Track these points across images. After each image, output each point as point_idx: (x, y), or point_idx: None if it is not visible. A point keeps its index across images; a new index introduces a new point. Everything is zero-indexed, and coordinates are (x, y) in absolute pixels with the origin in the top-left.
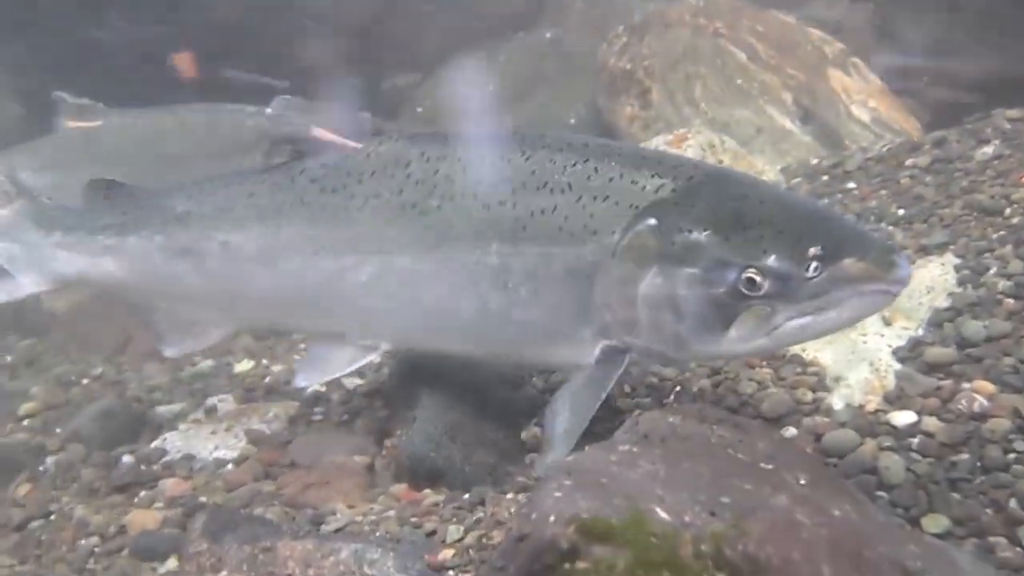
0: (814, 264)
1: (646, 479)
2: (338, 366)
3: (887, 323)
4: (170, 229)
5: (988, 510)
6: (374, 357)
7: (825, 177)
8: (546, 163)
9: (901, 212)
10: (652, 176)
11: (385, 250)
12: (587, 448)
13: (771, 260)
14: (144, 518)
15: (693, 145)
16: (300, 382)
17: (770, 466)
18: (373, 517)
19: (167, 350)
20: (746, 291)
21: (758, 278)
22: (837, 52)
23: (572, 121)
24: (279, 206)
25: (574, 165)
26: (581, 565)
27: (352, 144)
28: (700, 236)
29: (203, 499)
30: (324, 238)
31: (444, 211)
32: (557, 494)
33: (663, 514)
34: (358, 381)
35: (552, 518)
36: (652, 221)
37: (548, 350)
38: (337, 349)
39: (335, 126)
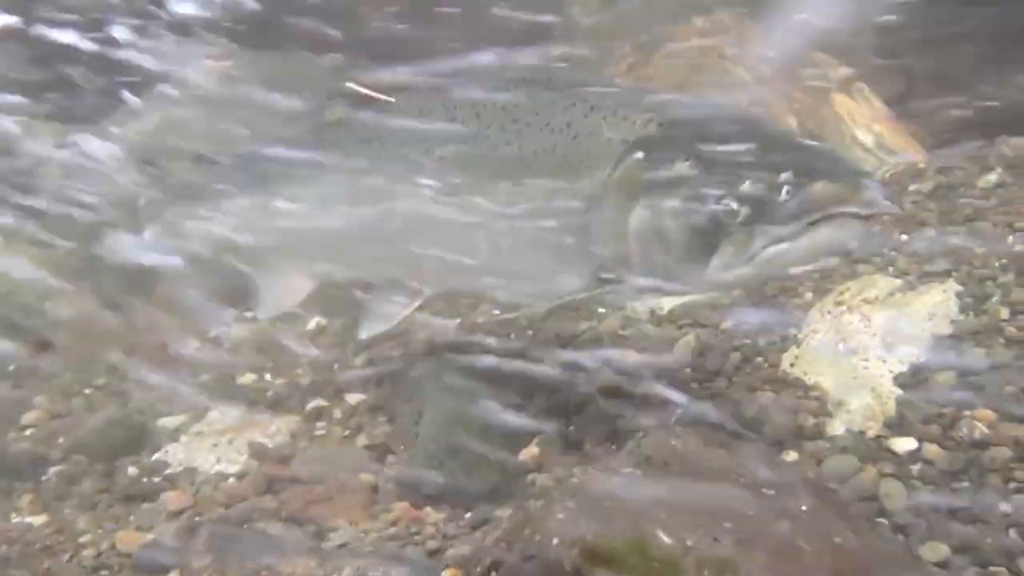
0: (786, 188)
1: (649, 502)
2: (394, 313)
3: (889, 349)
4: (253, 189)
5: (988, 539)
6: (420, 301)
7: None
8: (548, 105)
9: (904, 237)
10: (641, 112)
11: (412, 196)
12: (590, 470)
13: (746, 186)
14: (133, 538)
15: None
16: (363, 334)
17: (772, 491)
18: (375, 535)
19: (259, 312)
20: (726, 219)
21: (735, 205)
22: (842, 76)
23: None
24: (329, 159)
25: (573, 105)
26: None
27: (385, 97)
28: (682, 167)
29: (205, 513)
30: (363, 187)
31: (456, 156)
32: (560, 516)
33: (666, 538)
34: (360, 396)
35: (556, 540)
36: (639, 155)
37: (556, 286)
38: (390, 299)
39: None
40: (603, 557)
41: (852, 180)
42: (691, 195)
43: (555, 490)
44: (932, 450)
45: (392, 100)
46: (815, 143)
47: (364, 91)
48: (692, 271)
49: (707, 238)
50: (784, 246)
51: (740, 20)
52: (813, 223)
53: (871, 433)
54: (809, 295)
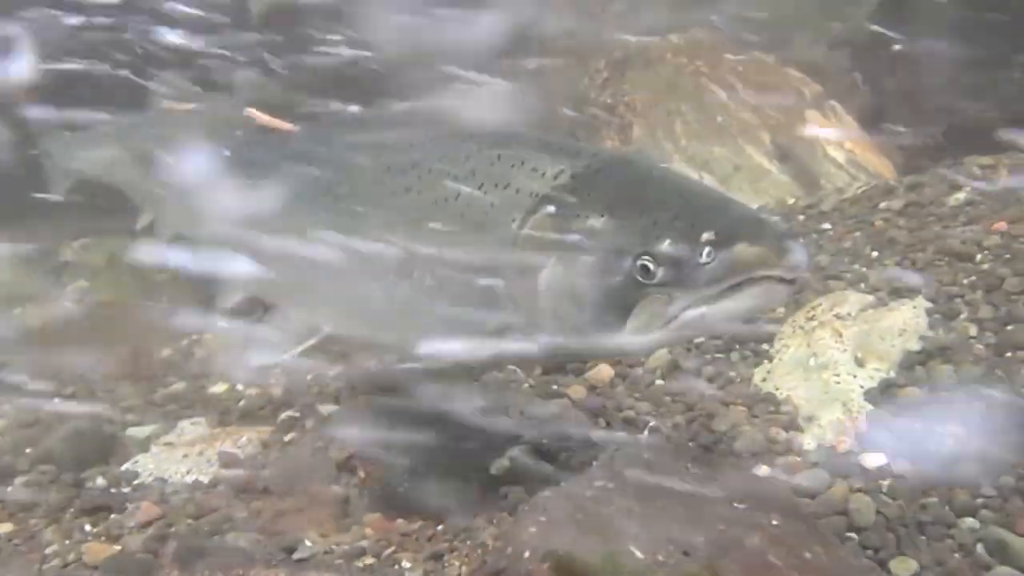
0: (707, 249)
1: (621, 516)
2: (286, 346)
3: (859, 364)
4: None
5: (956, 555)
6: (314, 340)
7: (801, 217)
8: (452, 150)
9: (875, 254)
10: (552, 162)
11: (305, 233)
12: (563, 483)
13: (664, 245)
14: (101, 549)
15: None
16: (252, 362)
17: (743, 505)
18: (346, 547)
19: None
20: (641, 279)
21: (651, 265)
22: (815, 93)
23: None
24: (240, 183)
25: (478, 152)
26: None
27: (288, 126)
28: (596, 222)
29: (175, 524)
30: (267, 218)
31: (354, 197)
32: (532, 529)
33: (637, 552)
34: (333, 407)
35: (527, 554)
36: (551, 208)
37: (456, 346)
38: (284, 328)
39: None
40: (575, 571)
41: (776, 242)
42: (606, 253)
43: (527, 503)
44: (902, 465)
45: (295, 129)
46: (740, 202)
47: (265, 120)
48: (606, 334)
49: (622, 299)
50: (703, 310)
51: (716, 37)
52: (735, 286)
53: (841, 448)
54: (781, 310)
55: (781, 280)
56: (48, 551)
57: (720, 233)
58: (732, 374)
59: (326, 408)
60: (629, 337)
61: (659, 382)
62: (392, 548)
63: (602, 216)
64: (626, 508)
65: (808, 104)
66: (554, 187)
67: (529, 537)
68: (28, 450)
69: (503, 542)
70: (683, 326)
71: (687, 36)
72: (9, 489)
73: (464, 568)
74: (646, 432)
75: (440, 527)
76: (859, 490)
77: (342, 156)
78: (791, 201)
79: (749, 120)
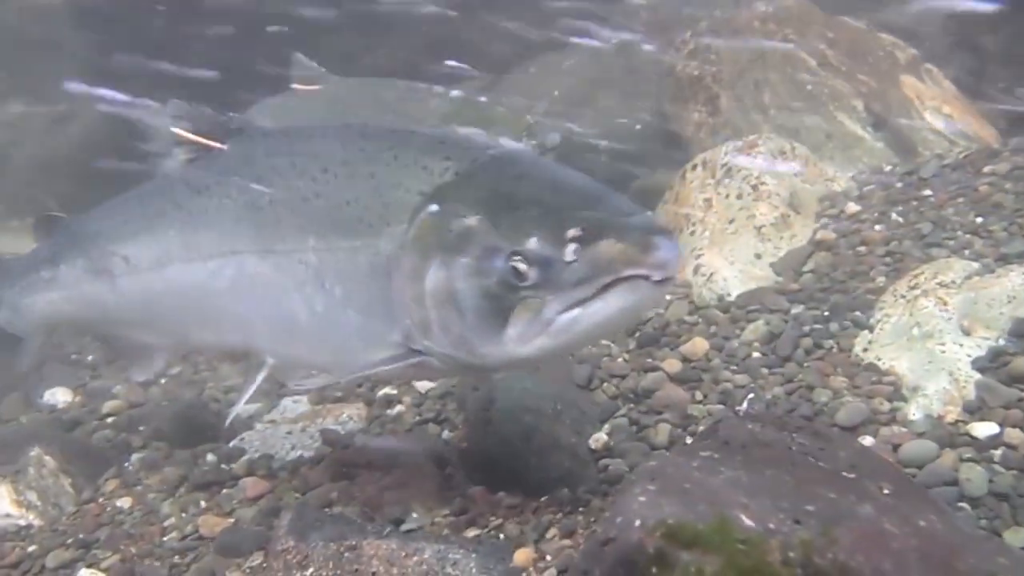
0: (573, 247)
1: (728, 485)
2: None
3: (966, 332)
4: (87, 250)
5: None
6: (264, 373)
7: (899, 184)
8: (356, 152)
9: (979, 220)
10: (441, 159)
11: (232, 254)
12: (668, 454)
13: (532, 243)
14: (216, 522)
15: (763, 152)
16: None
17: (852, 475)
18: (452, 519)
19: (136, 376)
20: (515, 281)
21: (522, 266)
22: (909, 58)
23: (637, 127)
24: (161, 212)
25: (379, 153)
26: (668, 570)
27: (217, 144)
28: (473, 221)
29: (283, 499)
30: (193, 243)
31: (273, 209)
32: (642, 499)
33: (747, 520)
34: (429, 384)
35: (638, 523)
36: (434, 207)
37: (366, 358)
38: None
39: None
40: (686, 540)
41: (641, 238)
42: (480, 254)
43: (632, 473)
44: (1014, 435)
45: (224, 147)
46: (621, 198)
47: (192, 137)
48: (488, 341)
49: (500, 304)
50: (576, 312)
51: (804, 5)
52: (604, 287)
53: (949, 418)
54: (882, 279)
55: (650, 280)
56: (166, 524)
57: (586, 229)
58: (831, 344)
59: (423, 385)
60: (512, 347)
61: (756, 355)
62: (497, 520)
63: (477, 214)
64: (733, 478)
65: (903, 69)
66: (438, 186)
67: (639, 506)
68: (141, 428)
69: (612, 512)
70: (561, 332)
71: (775, 3)
72: (127, 465)
73: (569, 538)
74: (744, 404)
75: (543, 499)
76: (969, 460)
77: (267, 169)
78: (887, 168)
79: (841, 87)
